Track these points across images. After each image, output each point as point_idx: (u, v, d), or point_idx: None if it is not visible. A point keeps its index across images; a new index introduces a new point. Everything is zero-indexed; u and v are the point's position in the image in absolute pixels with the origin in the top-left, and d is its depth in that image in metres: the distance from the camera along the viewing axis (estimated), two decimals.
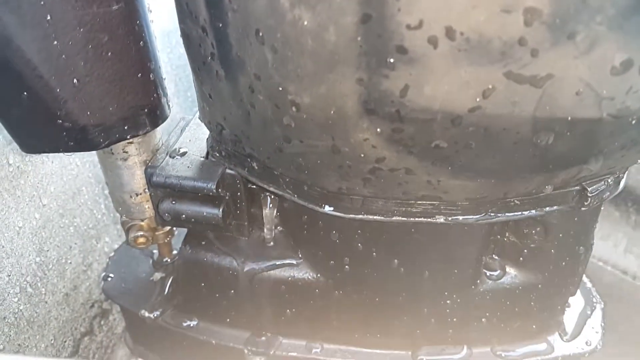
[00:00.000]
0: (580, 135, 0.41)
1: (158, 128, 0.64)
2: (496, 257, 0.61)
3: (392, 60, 0.38)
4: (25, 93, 0.53)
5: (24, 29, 0.50)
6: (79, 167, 0.87)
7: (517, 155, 0.43)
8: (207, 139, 0.63)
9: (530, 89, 0.37)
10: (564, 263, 0.60)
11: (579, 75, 0.37)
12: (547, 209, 0.51)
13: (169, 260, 0.80)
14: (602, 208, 0.60)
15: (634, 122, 0.41)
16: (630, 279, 1.23)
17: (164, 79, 0.64)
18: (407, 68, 0.38)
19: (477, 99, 0.38)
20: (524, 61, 0.36)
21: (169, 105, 0.64)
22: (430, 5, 0.35)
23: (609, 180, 0.52)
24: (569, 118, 0.39)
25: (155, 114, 0.61)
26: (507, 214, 0.50)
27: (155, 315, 0.74)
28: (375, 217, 0.51)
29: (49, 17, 0.50)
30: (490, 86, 0.37)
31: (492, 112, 0.39)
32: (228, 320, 0.70)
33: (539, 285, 0.62)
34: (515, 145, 0.41)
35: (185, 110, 1.16)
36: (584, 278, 0.73)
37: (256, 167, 0.55)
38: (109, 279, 0.80)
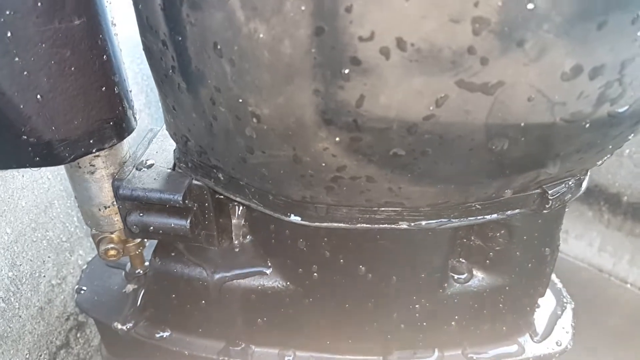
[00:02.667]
0: (535, 140, 0.42)
1: (125, 140, 0.63)
2: (463, 261, 0.62)
3: (346, 71, 0.38)
4: None
5: None
6: (50, 180, 0.87)
7: (473, 161, 0.43)
8: (174, 150, 0.63)
9: (481, 97, 0.38)
10: (530, 265, 0.61)
11: (529, 82, 0.38)
12: (509, 212, 0.51)
13: (141, 271, 0.79)
14: (567, 209, 0.61)
15: (587, 125, 0.42)
16: (606, 276, 1.25)
17: (130, 91, 0.64)
18: (361, 79, 0.38)
19: (431, 108, 0.39)
20: (475, 69, 0.37)
21: (135, 118, 0.64)
22: (380, 17, 0.35)
23: (570, 183, 0.53)
24: (522, 124, 0.40)
25: (121, 127, 0.61)
26: (469, 218, 0.51)
27: (128, 327, 0.74)
28: (340, 224, 0.51)
29: (9, 34, 0.49)
30: (442, 95, 0.38)
31: (446, 120, 0.40)
32: (200, 330, 0.69)
33: (507, 287, 0.62)
34: (471, 152, 0.42)
35: (157, 120, 1.15)
36: (554, 278, 0.74)
37: (222, 178, 0.55)
38: (82, 291, 0.80)
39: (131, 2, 0.52)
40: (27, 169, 0.82)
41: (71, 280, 0.93)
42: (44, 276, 0.86)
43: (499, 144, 0.41)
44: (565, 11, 0.34)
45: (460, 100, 0.38)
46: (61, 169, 0.89)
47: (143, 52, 1.02)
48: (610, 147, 0.48)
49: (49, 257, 0.87)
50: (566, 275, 0.79)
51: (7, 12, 0.49)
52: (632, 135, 0.48)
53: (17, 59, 0.51)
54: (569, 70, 0.37)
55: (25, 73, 0.52)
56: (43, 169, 0.85)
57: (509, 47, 0.36)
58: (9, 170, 0.78)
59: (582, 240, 1.27)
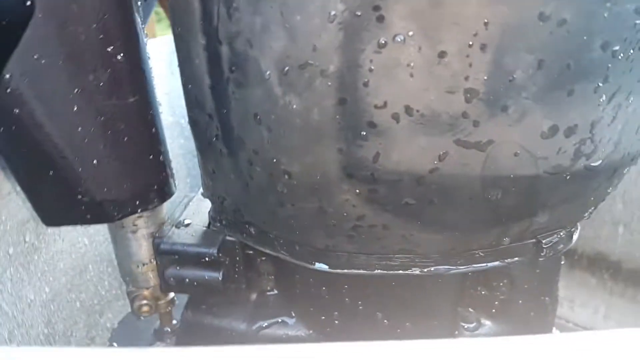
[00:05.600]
0: (524, 190, 0.49)
1: (164, 204, 0.71)
2: (471, 310, 0.67)
3: (364, 133, 0.47)
4: (51, 172, 0.60)
5: (55, 118, 0.58)
6: (87, 245, 0.94)
7: (473, 209, 0.51)
8: (209, 211, 0.71)
9: (476, 153, 0.46)
10: (532, 313, 0.67)
11: (515, 140, 0.46)
12: (508, 260, 0.58)
13: (169, 329, 0.85)
14: (562, 262, 0.67)
15: (568, 177, 0.49)
16: None
17: (171, 161, 0.72)
18: (377, 139, 0.47)
19: (435, 162, 0.47)
20: (468, 130, 0.45)
21: (175, 184, 0.72)
22: (391, 90, 0.44)
23: (562, 234, 0.59)
24: (512, 176, 0.48)
25: (164, 191, 0.69)
26: (473, 265, 0.57)
27: None
28: (359, 271, 0.58)
29: (75, 109, 0.58)
30: (443, 151, 0.46)
31: (448, 173, 0.47)
32: None
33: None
34: (470, 201, 0.50)
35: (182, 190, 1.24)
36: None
37: (253, 232, 0.63)
38: (114, 347, 0.85)
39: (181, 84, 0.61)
40: (67, 235, 0.89)
41: (99, 341, 0.97)
42: (75, 336, 0.91)
43: (493, 194, 0.49)
44: (540, 82, 0.43)
45: (458, 156, 0.46)
46: (97, 235, 0.97)
47: (174, 134, 1.12)
48: (592, 199, 0.55)
49: (80, 317, 0.92)
50: None
51: (75, 90, 0.58)
52: (611, 188, 0.55)
53: (80, 128, 0.59)
54: (547, 130, 0.46)
55: (85, 141, 0.60)
56: (80, 235, 0.93)
57: (495, 111, 0.44)
58: (52, 235, 0.86)
59: (587, 308, 1.31)
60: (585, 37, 0.42)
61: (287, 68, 0.46)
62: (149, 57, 0.65)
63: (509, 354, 0.37)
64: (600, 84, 0.44)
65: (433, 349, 0.38)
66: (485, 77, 0.42)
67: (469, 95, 0.43)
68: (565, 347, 0.37)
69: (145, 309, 0.77)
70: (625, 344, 0.37)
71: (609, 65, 0.43)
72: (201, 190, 0.73)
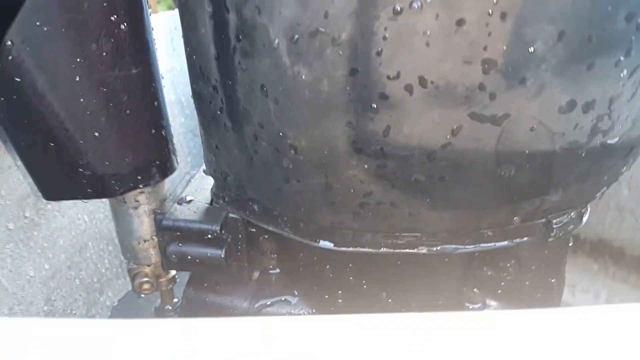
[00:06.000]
0: (538, 167, 0.48)
1: (166, 180, 0.70)
2: (476, 291, 0.66)
3: (375, 105, 0.45)
4: (52, 144, 0.59)
5: (56, 88, 0.57)
6: (87, 222, 0.93)
7: (485, 187, 0.49)
8: (211, 188, 0.70)
9: (491, 127, 0.45)
10: (539, 294, 0.66)
11: (532, 114, 0.44)
12: (517, 240, 0.57)
13: (170, 307, 0.84)
14: (570, 244, 0.66)
15: (583, 154, 0.48)
16: None
17: (173, 136, 0.71)
18: (388, 112, 0.45)
19: (448, 137, 0.45)
20: (484, 103, 0.44)
21: (176, 160, 0.71)
22: (405, 60, 0.43)
23: (572, 214, 0.58)
24: (527, 151, 0.46)
25: (165, 166, 0.67)
26: (481, 244, 0.56)
27: None
28: (364, 249, 0.57)
29: (77, 79, 0.57)
30: (457, 125, 0.45)
31: (461, 148, 0.46)
32: None
33: None
34: (482, 177, 0.48)
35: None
36: None
37: (257, 209, 0.61)
38: None
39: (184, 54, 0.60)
40: (67, 211, 0.88)
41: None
42: (75, 313, 0.90)
43: (507, 170, 0.48)
44: (560, 54, 0.42)
45: (472, 130, 0.45)
46: (97, 213, 0.96)
47: (174, 112, 1.10)
48: (606, 178, 0.54)
49: (80, 295, 0.91)
50: None
51: (77, 59, 0.56)
52: (625, 168, 0.54)
53: (81, 99, 0.58)
54: (565, 104, 0.44)
55: (87, 112, 0.59)
56: (80, 212, 0.92)
57: (513, 84, 0.43)
58: (52, 210, 0.84)
59: (589, 294, 1.30)
60: (609, 8, 0.40)
61: (296, 36, 0.45)
62: (152, 29, 0.63)
63: (511, 326, 0.37)
64: (622, 58, 0.43)
65: (435, 320, 0.37)
66: (505, 48, 0.41)
67: (486, 66, 0.42)
68: (569, 321, 0.37)
69: (146, 286, 0.76)
70: (629, 319, 0.37)
71: (633, 38, 0.42)
72: (203, 167, 0.71)
